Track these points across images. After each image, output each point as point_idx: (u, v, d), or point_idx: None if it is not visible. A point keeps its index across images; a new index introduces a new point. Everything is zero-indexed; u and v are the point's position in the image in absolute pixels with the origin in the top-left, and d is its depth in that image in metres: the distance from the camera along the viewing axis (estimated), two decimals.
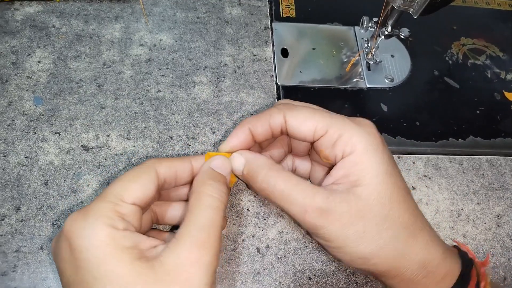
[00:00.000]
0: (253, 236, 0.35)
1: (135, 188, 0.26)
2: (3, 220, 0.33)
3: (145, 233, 0.29)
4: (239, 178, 0.32)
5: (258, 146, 0.33)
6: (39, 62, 0.40)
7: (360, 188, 0.27)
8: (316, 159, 0.33)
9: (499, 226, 0.38)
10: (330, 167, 0.30)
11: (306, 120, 0.28)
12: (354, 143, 0.27)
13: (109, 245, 0.23)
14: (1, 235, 0.32)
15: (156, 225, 0.33)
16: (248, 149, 0.31)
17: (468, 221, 0.38)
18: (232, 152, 0.31)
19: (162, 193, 0.31)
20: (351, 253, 0.27)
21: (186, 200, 0.32)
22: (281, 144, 0.34)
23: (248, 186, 0.35)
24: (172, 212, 0.31)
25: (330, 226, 0.26)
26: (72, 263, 0.23)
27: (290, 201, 0.27)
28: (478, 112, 0.45)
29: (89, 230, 0.23)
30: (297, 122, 0.29)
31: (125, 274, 0.22)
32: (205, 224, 0.25)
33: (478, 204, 0.39)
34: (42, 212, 0.33)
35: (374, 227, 0.26)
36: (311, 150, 0.34)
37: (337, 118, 0.28)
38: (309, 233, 0.31)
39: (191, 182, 0.30)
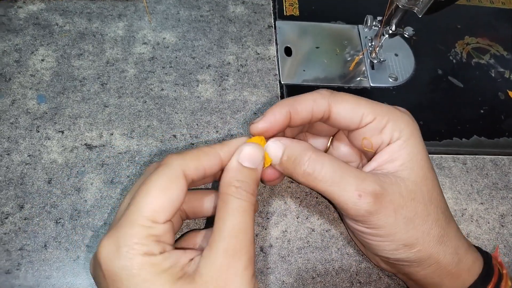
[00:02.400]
0: (256, 235, 0.34)
1: (167, 205, 0.24)
2: (6, 218, 0.33)
3: (176, 233, 0.28)
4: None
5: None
6: (42, 60, 0.40)
7: (407, 171, 0.27)
8: (342, 145, 0.33)
9: (502, 226, 0.38)
10: (364, 155, 0.31)
11: (355, 107, 0.27)
12: (402, 129, 0.27)
13: (148, 272, 0.22)
14: (5, 233, 0.32)
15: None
16: (279, 134, 0.29)
17: (472, 221, 0.38)
18: (264, 135, 0.28)
19: None
20: (398, 239, 0.26)
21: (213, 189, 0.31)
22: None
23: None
24: (202, 206, 0.30)
25: (383, 210, 0.26)
26: None
27: (341, 186, 0.26)
28: (482, 111, 0.44)
29: (125, 260, 0.22)
30: (344, 109, 0.27)
31: None
32: (234, 230, 0.24)
33: (481, 203, 0.39)
34: (45, 211, 0.33)
35: (423, 209, 0.27)
36: (337, 136, 0.33)
37: (382, 105, 0.28)
38: (351, 227, 0.29)
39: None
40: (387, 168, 0.28)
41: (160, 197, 0.24)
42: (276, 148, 0.28)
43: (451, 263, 0.27)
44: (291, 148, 0.28)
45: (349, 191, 0.26)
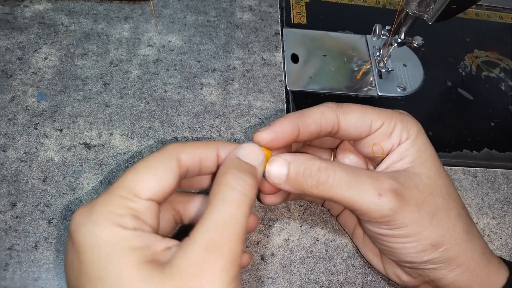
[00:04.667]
0: (257, 243, 0.33)
1: (152, 181, 0.22)
2: None
3: (166, 235, 0.26)
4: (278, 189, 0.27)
5: None
6: (45, 58, 0.40)
7: (419, 166, 0.26)
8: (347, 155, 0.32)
9: None
10: (371, 161, 0.31)
11: (363, 116, 0.27)
12: (409, 129, 0.27)
13: (115, 246, 0.20)
14: None
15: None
16: (285, 149, 0.28)
17: (484, 236, 0.36)
18: (267, 146, 0.26)
19: (182, 182, 0.27)
20: (425, 238, 0.25)
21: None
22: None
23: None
24: (196, 209, 0.28)
25: (406, 206, 0.25)
26: (76, 265, 0.20)
27: (359, 189, 0.24)
28: (492, 124, 0.43)
29: (94, 228, 0.20)
30: (353, 119, 0.27)
31: (131, 278, 0.19)
32: (220, 222, 0.21)
33: (493, 218, 0.37)
34: (38, 210, 0.32)
35: (444, 203, 0.26)
36: (340, 146, 0.32)
37: (386, 110, 0.28)
38: (373, 233, 0.27)
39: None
40: (397, 166, 0.27)
41: (147, 173, 0.22)
42: (279, 166, 0.26)
43: (479, 264, 0.26)
44: (297, 162, 0.25)
45: (368, 191, 0.24)
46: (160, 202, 0.23)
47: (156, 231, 0.23)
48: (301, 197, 0.34)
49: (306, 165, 0.25)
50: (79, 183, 0.33)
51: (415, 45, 0.42)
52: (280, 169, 0.26)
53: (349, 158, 0.32)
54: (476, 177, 0.40)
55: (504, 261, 0.28)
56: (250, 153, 0.25)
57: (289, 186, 0.26)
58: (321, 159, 0.26)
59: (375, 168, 0.29)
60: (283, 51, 0.45)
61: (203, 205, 0.28)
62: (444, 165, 0.39)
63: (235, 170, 0.23)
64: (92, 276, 0.20)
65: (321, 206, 0.35)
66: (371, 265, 0.33)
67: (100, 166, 0.34)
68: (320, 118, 0.26)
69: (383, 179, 0.25)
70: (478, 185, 0.39)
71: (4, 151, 0.34)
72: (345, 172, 0.25)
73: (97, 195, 0.22)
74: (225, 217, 0.21)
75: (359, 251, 0.33)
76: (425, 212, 0.25)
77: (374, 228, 0.27)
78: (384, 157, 0.28)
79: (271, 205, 0.33)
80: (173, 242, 0.22)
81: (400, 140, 0.27)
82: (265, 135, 0.25)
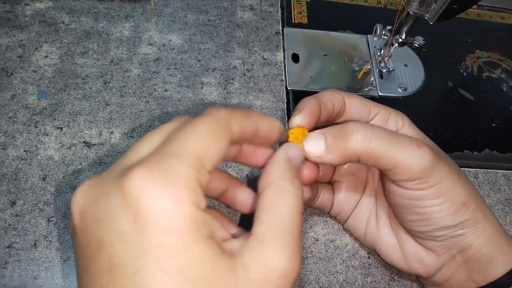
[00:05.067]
0: None
1: (216, 151, 0.19)
2: None
3: None
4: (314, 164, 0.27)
5: None
6: (46, 56, 0.40)
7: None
8: None
9: None
10: None
11: (363, 101, 0.30)
12: (402, 117, 0.30)
13: (191, 233, 0.17)
14: None
15: None
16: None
17: None
18: (307, 126, 0.27)
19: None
20: (457, 196, 0.26)
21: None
22: None
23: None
24: (236, 195, 0.27)
25: (441, 161, 0.26)
26: (133, 243, 0.16)
27: (399, 143, 0.25)
28: (493, 125, 0.43)
29: (172, 206, 0.17)
30: (356, 102, 0.29)
31: (207, 275, 0.17)
32: (294, 230, 0.20)
33: None
34: (38, 208, 0.32)
35: (460, 173, 0.27)
36: None
37: (378, 103, 0.30)
38: (408, 200, 0.27)
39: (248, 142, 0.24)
40: None
41: (211, 140, 0.19)
42: (314, 139, 0.26)
43: (502, 234, 0.27)
44: (330, 129, 0.26)
45: (408, 144, 0.25)
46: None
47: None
48: (311, 205, 0.33)
49: (341, 128, 0.26)
50: (79, 182, 0.33)
51: (416, 45, 0.42)
52: (316, 141, 0.26)
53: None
54: (477, 178, 0.39)
55: None
56: (298, 156, 0.25)
57: (331, 155, 0.26)
58: (355, 122, 0.27)
59: None
60: (283, 50, 0.45)
61: (242, 193, 0.27)
62: None
63: (294, 178, 0.23)
64: (153, 264, 0.16)
65: (328, 213, 0.34)
66: (386, 263, 0.32)
67: (100, 165, 0.34)
68: (332, 98, 0.28)
69: (415, 138, 0.27)
70: (479, 186, 0.39)
71: (4, 149, 0.34)
72: (382, 128, 0.26)
73: (155, 153, 0.18)
74: (295, 226, 0.21)
75: (359, 252, 0.33)
76: (453, 168, 0.27)
77: (410, 192, 0.26)
78: None
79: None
80: (235, 230, 0.22)
81: (397, 126, 0.29)
82: (303, 117, 0.27)
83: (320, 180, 0.33)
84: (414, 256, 0.29)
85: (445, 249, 0.28)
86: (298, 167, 0.24)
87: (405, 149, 0.25)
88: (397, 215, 0.30)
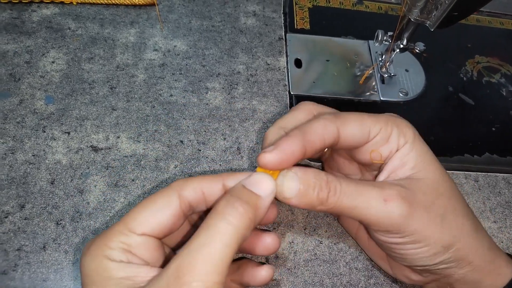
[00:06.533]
0: None
1: (147, 215, 0.23)
2: (6, 217, 0.32)
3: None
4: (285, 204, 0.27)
5: None
6: (53, 62, 0.40)
7: (422, 172, 0.26)
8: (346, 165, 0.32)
9: None
10: (365, 168, 0.30)
11: (361, 124, 0.26)
12: (405, 132, 0.27)
13: (99, 275, 0.21)
14: (4, 233, 0.31)
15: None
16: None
17: None
18: (274, 169, 0.24)
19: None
20: (436, 241, 0.25)
21: None
22: None
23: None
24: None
25: (415, 211, 0.25)
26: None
27: (365, 199, 0.24)
28: (493, 129, 0.44)
29: (88, 258, 0.22)
30: (352, 129, 0.26)
31: None
32: (194, 249, 0.19)
33: (494, 222, 0.38)
34: (46, 211, 0.32)
35: (451, 205, 0.26)
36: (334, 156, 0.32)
37: (381, 116, 0.27)
38: (383, 242, 0.27)
39: None
40: (400, 174, 0.27)
41: (144, 209, 0.23)
42: (291, 181, 0.24)
43: (488, 259, 0.27)
44: (306, 176, 0.24)
45: (374, 199, 0.24)
46: (161, 237, 0.23)
47: (155, 263, 0.23)
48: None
49: (316, 179, 0.24)
50: (87, 185, 0.34)
51: (417, 50, 0.43)
52: (292, 184, 0.24)
53: (342, 162, 0.32)
54: (478, 181, 0.40)
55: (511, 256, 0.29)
56: (258, 182, 0.23)
57: (299, 201, 0.24)
58: (326, 172, 0.25)
59: (374, 178, 0.30)
60: (286, 56, 0.46)
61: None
62: (445, 169, 0.40)
63: (229, 197, 0.22)
64: None
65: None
66: (376, 265, 0.33)
67: (107, 169, 0.35)
68: (323, 133, 0.25)
69: (388, 186, 0.25)
70: (479, 189, 0.40)
71: (12, 153, 0.35)
72: (350, 183, 0.25)
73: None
74: (201, 244, 0.20)
75: (362, 254, 0.34)
76: (434, 215, 0.25)
77: (385, 238, 0.26)
78: (383, 164, 0.28)
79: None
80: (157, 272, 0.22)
81: (398, 145, 0.27)
82: (271, 158, 0.23)
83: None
84: (400, 272, 0.30)
85: (428, 274, 0.28)
86: (256, 193, 0.22)
87: (371, 206, 0.24)
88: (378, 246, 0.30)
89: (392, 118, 0.28)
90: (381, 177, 0.28)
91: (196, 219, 0.27)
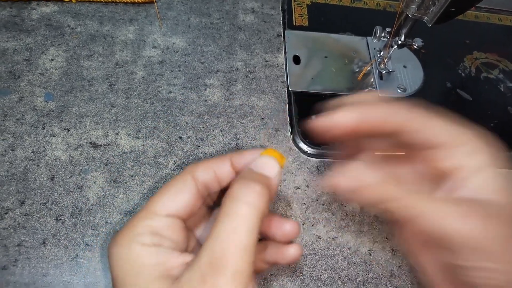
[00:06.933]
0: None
1: (168, 198, 0.24)
2: (6, 213, 0.32)
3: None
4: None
5: None
6: (52, 59, 0.41)
7: (502, 198, 0.22)
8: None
9: None
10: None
11: (448, 125, 0.25)
12: (479, 151, 0.24)
13: (131, 263, 0.22)
14: (4, 229, 0.31)
15: None
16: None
17: None
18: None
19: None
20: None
21: None
22: None
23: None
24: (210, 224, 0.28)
25: (493, 232, 0.21)
26: (112, 282, 0.23)
27: (441, 211, 0.21)
28: (491, 125, 0.44)
29: (118, 248, 0.22)
30: (437, 127, 0.24)
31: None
32: (223, 237, 0.21)
33: None
34: (46, 207, 0.33)
35: None
36: None
37: (457, 126, 0.25)
38: (452, 268, 0.23)
39: None
40: (468, 192, 0.23)
41: (164, 193, 0.24)
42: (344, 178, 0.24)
43: None
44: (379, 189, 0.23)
45: (453, 213, 0.21)
46: (185, 218, 0.24)
47: (181, 246, 0.24)
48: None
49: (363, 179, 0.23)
50: (86, 182, 0.34)
51: (415, 46, 0.43)
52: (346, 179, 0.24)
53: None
54: None
55: None
56: (265, 164, 0.25)
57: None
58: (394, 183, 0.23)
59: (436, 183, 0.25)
60: (285, 52, 0.46)
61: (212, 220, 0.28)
62: None
63: (243, 181, 0.23)
64: None
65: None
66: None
67: (106, 165, 0.35)
68: (387, 113, 0.25)
69: (467, 202, 0.22)
70: None
71: (12, 150, 0.35)
72: (424, 194, 0.22)
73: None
74: (229, 231, 0.21)
75: (360, 249, 0.34)
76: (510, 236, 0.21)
77: (457, 259, 0.22)
78: (447, 175, 0.24)
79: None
80: (190, 258, 0.22)
81: (469, 161, 0.24)
82: (350, 115, 0.24)
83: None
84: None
85: None
86: (266, 176, 0.24)
87: (450, 218, 0.21)
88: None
89: (477, 136, 0.25)
90: (444, 191, 0.24)
91: (211, 203, 0.29)
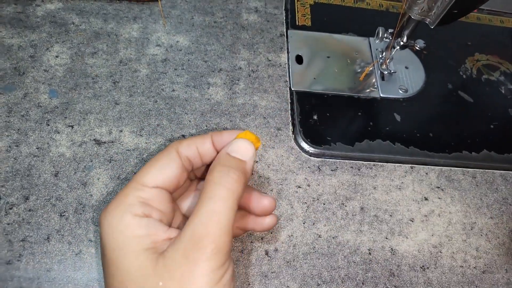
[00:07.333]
0: (262, 238, 0.34)
1: (156, 171, 0.25)
2: (11, 209, 0.32)
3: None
4: None
5: None
6: (56, 56, 0.41)
7: None
8: None
9: None
10: None
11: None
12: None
13: (121, 233, 0.23)
14: (8, 224, 0.32)
15: None
16: None
17: (481, 235, 0.37)
18: None
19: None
20: None
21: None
22: None
23: None
24: (191, 203, 0.30)
25: None
26: (102, 251, 0.24)
27: None
28: (492, 126, 0.44)
29: (109, 218, 0.23)
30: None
31: (130, 264, 0.22)
32: (205, 216, 0.23)
33: (491, 218, 0.38)
34: (50, 203, 0.33)
35: None
36: None
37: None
38: None
39: None
40: None
41: (151, 165, 0.25)
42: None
43: None
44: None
45: None
46: (171, 190, 0.26)
47: (168, 217, 0.25)
48: None
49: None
50: (90, 178, 0.34)
51: (417, 48, 0.43)
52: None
53: None
54: (475, 177, 0.41)
55: None
56: (240, 148, 0.26)
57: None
58: None
59: None
60: (287, 52, 0.46)
61: (195, 199, 0.30)
62: (443, 165, 0.41)
63: (221, 167, 0.25)
64: (109, 259, 0.22)
65: None
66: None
67: (110, 162, 0.36)
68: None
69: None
70: (477, 185, 0.40)
71: (17, 146, 0.35)
72: None
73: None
74: (210, 212, 0.23)
75: (360, 248, 0.34)
76: None
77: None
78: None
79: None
80: (175, 233, 0.24)
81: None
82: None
83: None
84: None
85: None
86: (239, 158, 0.26)
87: None
88: None
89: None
90: None
91: (194, 178, 0.30)
